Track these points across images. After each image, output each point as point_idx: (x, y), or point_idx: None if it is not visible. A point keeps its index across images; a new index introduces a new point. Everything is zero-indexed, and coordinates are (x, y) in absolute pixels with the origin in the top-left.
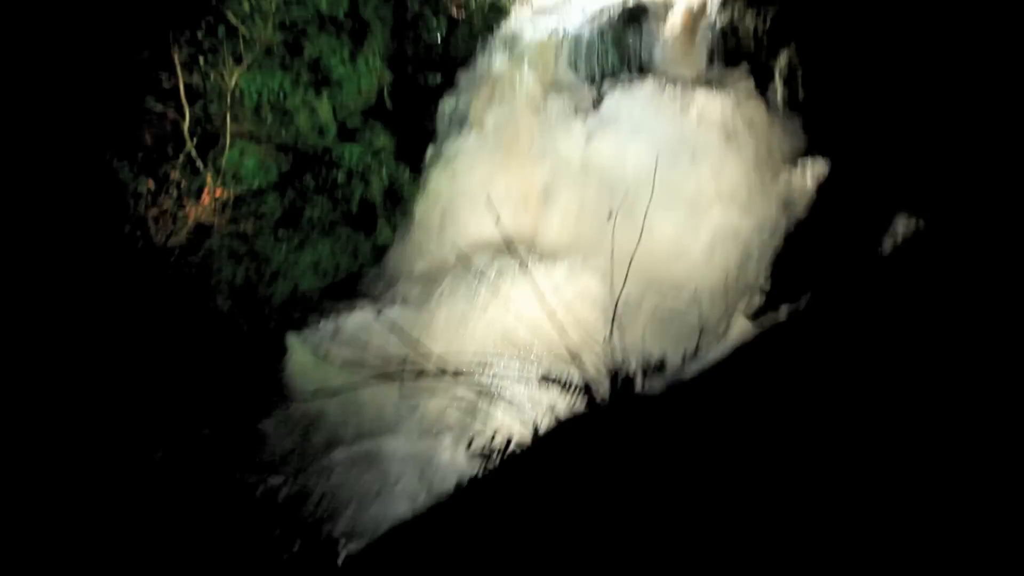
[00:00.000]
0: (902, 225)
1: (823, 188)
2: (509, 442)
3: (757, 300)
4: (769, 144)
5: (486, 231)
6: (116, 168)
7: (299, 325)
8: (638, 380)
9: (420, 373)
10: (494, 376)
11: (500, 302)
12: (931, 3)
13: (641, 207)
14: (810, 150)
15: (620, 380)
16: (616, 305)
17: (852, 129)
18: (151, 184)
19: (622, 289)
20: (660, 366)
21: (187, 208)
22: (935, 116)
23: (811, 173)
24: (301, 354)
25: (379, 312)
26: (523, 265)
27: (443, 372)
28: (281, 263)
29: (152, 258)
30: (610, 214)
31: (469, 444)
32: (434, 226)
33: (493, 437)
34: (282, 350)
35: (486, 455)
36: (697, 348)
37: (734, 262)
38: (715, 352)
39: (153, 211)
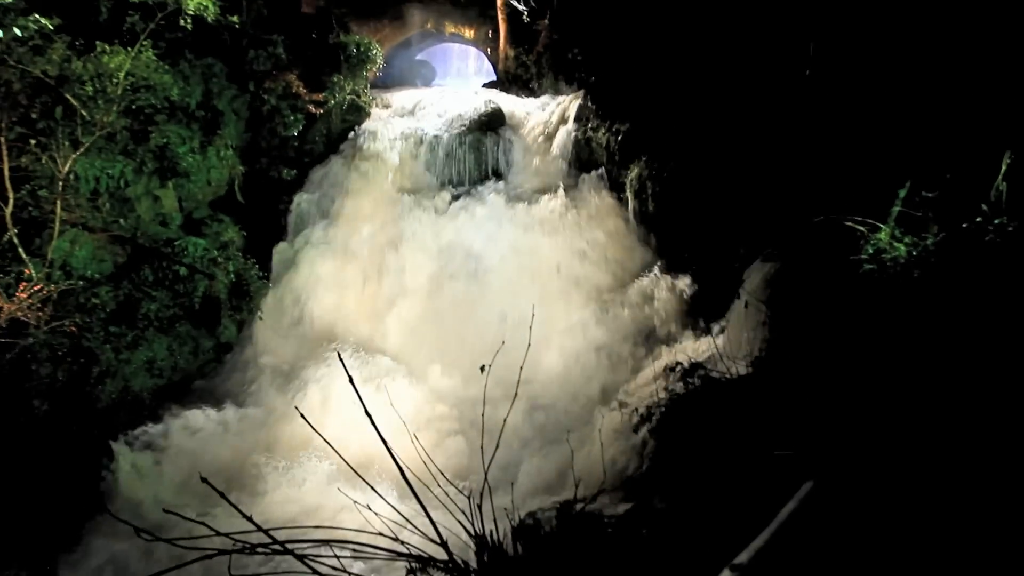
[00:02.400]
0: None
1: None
2: None
3: (619, 414)
4: (622, 252)
5: (335, 331)
6: None
7: (128, 429)
8: (508, 546)
9: (251, 549)
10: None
11: (345, 413)
12: (776, 129)
13: (494, 315)
14: (660, 259)
15: (489, 550)
16: (483, 452)
17: (699, 240)
18: None
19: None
20: (533, 525)
21: (0, 303)
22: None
23: (663, 282)
24: (127, 464)
25: (216, 415)
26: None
27: (276, 549)
28: (111, 362)
29: None
30: (483, 368)
31: None
32: (282, 324)
33: None
34: (108, 457)
35: None
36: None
37: (591, 369)
38: None
39: None
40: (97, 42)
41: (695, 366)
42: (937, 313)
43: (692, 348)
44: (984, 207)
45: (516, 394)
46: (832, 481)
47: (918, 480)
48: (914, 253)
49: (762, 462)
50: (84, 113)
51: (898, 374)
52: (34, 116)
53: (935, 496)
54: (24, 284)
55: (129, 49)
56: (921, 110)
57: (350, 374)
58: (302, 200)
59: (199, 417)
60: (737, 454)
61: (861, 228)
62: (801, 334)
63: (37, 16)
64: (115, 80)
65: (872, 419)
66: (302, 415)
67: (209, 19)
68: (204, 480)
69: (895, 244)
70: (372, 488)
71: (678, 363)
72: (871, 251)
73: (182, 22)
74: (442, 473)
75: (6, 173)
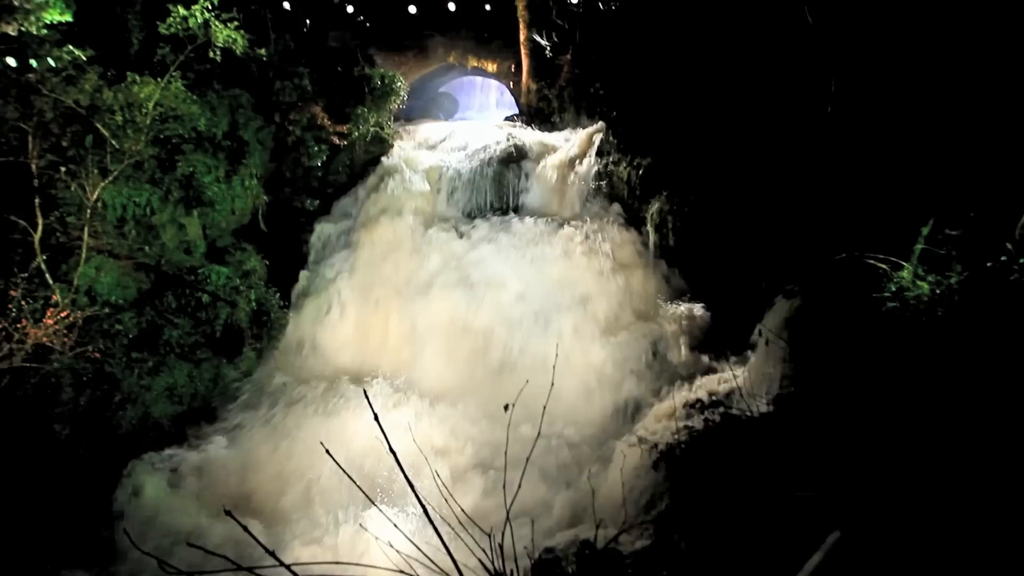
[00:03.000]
0: None
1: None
2: None
3: (638, 450)
4: (642, 286)
5: (355, 361)
6: None
7: (148, 454)
8: None
9: None
10: None
11: (366, 444)
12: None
13: (516, 347)
14: (680, 293)
15: None
16: (506, 493)
17: (720, 274)
18: None
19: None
20: (553, 561)
21: (27, 329)
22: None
23: (683, 316)
24: (147, 487)
25: (236, 443)
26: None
27: None
28: (132, 388)
29: None
30: (507, 407)
31: None
32: (303, 354)
33: None
34: (127, 482)
35: None
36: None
37: (611, 404)
38: None
39: None
40: (128, 73)
41: (715, 402)
42: (962, 352)
43: (712, 383)
44: (1008, 246)
45: (539, 433)
46: (859, 531)
47: (945, 529)
48: (938, 292)
49: (784, 503)
50: (113, 142)
51: (923, 414)
52: (65, 144)
53: (964, 547)
54: (51, 310)
55: (159, 80)
56: (944, 148)
57: (375, 411)
58: (324, 230)
59: (219, 445)
60: (758, 494)
61: (883, 266)
62: (823, 372)
63: (71, 47)
64: (144, 110)
65: (897, 462)
66: (327, 451)
67: (238, 51)
68: (228, 513)
69: (918, 282)
70: (392, 523)
71: (698, 399)
72: (894, 289)
73: (211, 54)
74: (462, 509)
75: (36, 200)
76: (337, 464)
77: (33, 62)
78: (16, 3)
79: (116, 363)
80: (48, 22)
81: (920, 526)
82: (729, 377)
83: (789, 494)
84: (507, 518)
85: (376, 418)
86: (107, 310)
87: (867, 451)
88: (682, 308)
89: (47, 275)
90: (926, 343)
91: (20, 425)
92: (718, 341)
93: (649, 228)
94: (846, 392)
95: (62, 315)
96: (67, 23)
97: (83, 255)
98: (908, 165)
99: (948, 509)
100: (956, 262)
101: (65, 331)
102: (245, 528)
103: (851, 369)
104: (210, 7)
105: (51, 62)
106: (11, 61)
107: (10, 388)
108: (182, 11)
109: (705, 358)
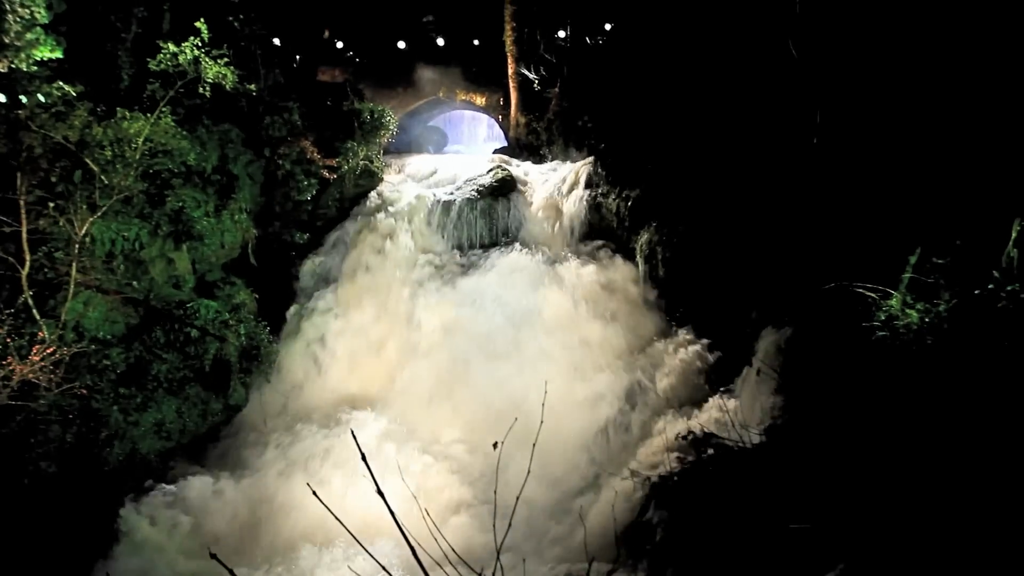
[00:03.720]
0: None
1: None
2: None
3: (630, 483)
4: (632, 316)
5: (346, 394)
6: None
7: (135, 492)
8: None
9: None
10: None
11: (353, 481)
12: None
13: (504, 378)
14: (671, 324)
15: None
16: (496, 532)
17: (710, 304)
18: None
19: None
20: None
21: (12, 366)
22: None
23: (673, 346)
24: (133, 527)
25: (223, 480)
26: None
27: None
28: (119, 424)
29: None
30: (496, 444)
31: None
32: (293, 388)
33: None
34: (113, 518)
35: None
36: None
37: (601, 437)
38: None
39: None
40: (118, 108)
41: (707, 435)
42: (953, 380)
43: (703, 414)
44: (996, 273)
45: (529, 471)
46: (863, 563)
47: (949, 557)
48: (927, 320)
49: (778, 535)
50: (103, 177)
51: (916, 442)
52: (53, 180)
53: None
54: (37, 347)
55: (149, 115)
56: (930, 177)
57: (362, 451)
58: (315, 263)
59: (206, 483)
60: (753, 526)
61: (872, 295)
62: (815, 402)
63: (61, 83)
64: (134, 145)
65: (894, 492)
66: (314, 492)
67: (227, 87)
68: (213, 556)
69: (907, 311)
70: (380, 564)
71: (690, 431)
72: (883, 318)
73: (201, 89)
74: (453, 550)
75: (24, 235)
76: (323, 504)
77: (23, 98)
78: (7, 40)
79: (103, 399)
80: (38, 59)
81: (924, 557)
82: (721, 408)
83: (784, 526)
84: (497, 560)
85: (363, 457)
86: (95, 346)
87: (861, 481)
88: (672, 339)
89: (34, 311)
90: (917, 371)
91: (5, 463)
92: (709, 372)
93: (639, 258)
94: (838, 421)
95: (48, 351)
96: (57, 59)
97: (71, 290)
98: (894, 194)
99: (948, 536)
100: (944, 290)
101: (52, 367)
102: (232, 572)
103: (843, 398)
104: (200, 44)
105: (41, 98)
106: (0, 97)
107: None
108: (172, 48)
109: (696, 389)
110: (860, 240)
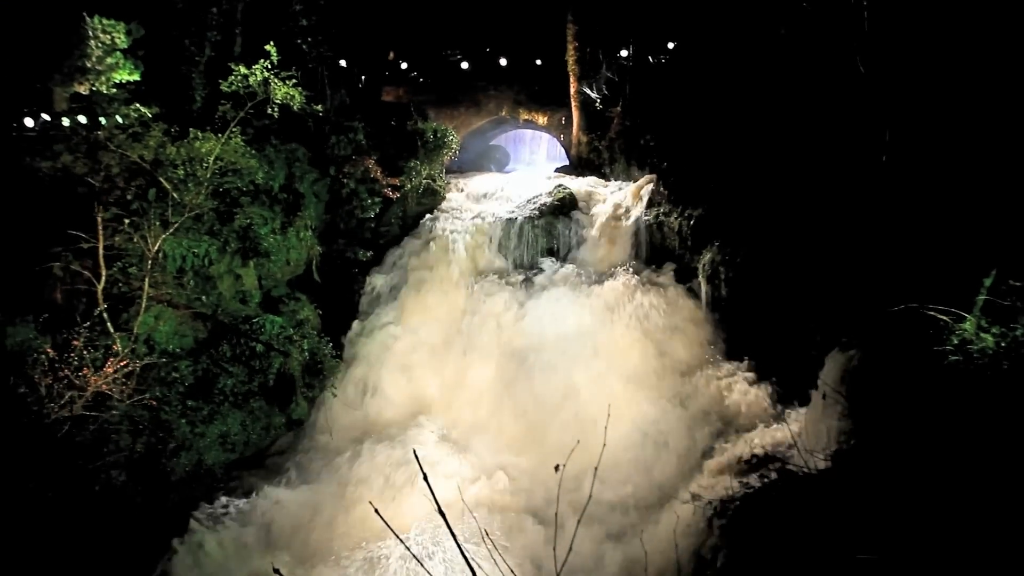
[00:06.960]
0: None
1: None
2: None
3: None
4: (694, 337)
5: (406, 412)
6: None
7: (201, 502)
8: None
9: None
10: None
11: (413, 496)
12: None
13: (564, 398)
14: (733, 346)
15: None
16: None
17: (773, 326)
18: (50, 352)
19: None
20: None
21: (88, 377)
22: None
23: (736, 368)
24: (200, 538)
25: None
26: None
27: None
28: (186, 435)
29: (37, 432)
30: (558, 467)
31: None
32: (353, 403)
33: None
34: (181, 529)
35: None
36: None
37: (663, 460)
38: None
39: (48, 380)
40: (191, 128)
41: (771, 458)
42: None
43: (767, 438)
44: None
45: (591, 495)
46: None
47: None
48: (1003, 344)
49: (844, 566)
50: (175, 195)
51: (989, 472)
52: (129, 197)
53: None
54: (111, 359)
55: (220, 135)
56: (1005, 195)
57: (424, 470)
58: (377, 280)
59: (270, 496)
60: (817, 555)
61: (944, 318)
62: (884, 428)
63: (138, 105)
64: (205, 164)
65: (964, 523)
66: (376, 510)
67: (295, 107)
68: (276, 572)
69: (982, 335)
70: None
71: (753, 454)
72: (956, 342)
73: (269, 110)
74: (512, 570)
75: (100, 251)
76: (387, 524)
77: (102, 119)
78: (89, 64)
79: (172, 411)
80: (117, 81)
81: None
82: (785, 432)
83: (851, 556)
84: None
85: (425, 477)
86: (164, 359)
87: (932, 511)
88: (735, 361)
89: (108, 324)
90: (992, 398)
91: (78, 471)
92: (773, 395)
93: (701, 279)
94: (908, 448)
95: (121, 363)
96: (135, 82)
97: (143, 304)
98: (967, 214)
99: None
100: (1022, 314)
101: (124, 379)
102: None
103: (913, 424)
104: (270, 66)
105: (119, 119)
106: (82, 119)
107: (69, 435)
108: (243, 70)
109: (760, 412)
110: (930, 261)
